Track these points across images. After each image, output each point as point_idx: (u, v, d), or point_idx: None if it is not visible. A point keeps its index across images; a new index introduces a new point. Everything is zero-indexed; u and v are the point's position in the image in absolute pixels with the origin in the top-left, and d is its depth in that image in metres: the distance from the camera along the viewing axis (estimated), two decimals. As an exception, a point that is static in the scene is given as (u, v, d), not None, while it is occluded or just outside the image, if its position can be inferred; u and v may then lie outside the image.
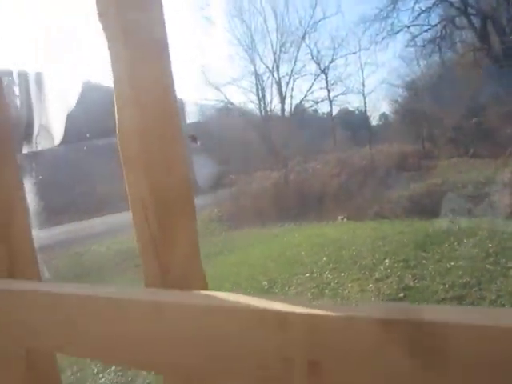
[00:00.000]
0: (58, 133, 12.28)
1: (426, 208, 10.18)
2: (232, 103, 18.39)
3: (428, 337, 0.49)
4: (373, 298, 4.86)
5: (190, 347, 0.67)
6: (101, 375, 4.18)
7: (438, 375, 0.48)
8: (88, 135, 13.55)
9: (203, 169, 13.11)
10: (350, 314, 0.55)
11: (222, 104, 18.43)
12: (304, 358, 0.57)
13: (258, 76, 18.40)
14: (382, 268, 5.79)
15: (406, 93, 18.51)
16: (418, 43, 17.04)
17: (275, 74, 18.35)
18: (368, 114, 19.34)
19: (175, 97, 0.80)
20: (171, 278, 0.78)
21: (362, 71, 17.89)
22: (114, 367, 4.31)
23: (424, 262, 5.75)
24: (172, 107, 0.79)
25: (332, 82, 18.28)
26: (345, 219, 10.96)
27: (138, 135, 0.76)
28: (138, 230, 0.80)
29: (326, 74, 18.16)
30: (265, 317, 0.60)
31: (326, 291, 5.35)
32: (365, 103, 18.67)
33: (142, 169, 0.78)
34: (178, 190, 0.81)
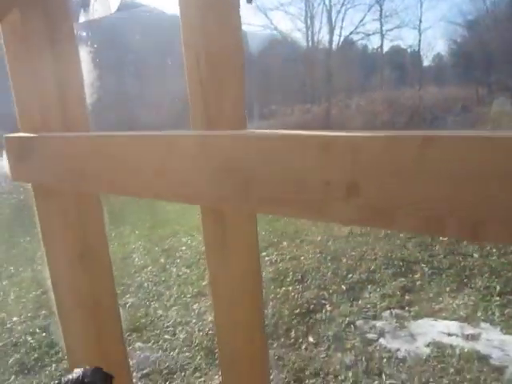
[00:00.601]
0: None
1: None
2: (278, 30, 17.69)
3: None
4: (403, 230, 4.87)
5: (232, 177, 0.71)
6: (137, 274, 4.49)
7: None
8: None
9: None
10: (392, 134, 0.57)
11: (267, 30, 17.77)
12: (344, 181, 0.60)
13: (307, 2, 17.49)
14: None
15: (466, 32, 17.22)
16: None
17: (326, 1, 17.38)
18: (421, 52, 18.25)
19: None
20: (215, 119, 0.80)
21: (421, 4, 16.69)
22: (149, 267, 4.61)
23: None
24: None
25: (387, 13, 17.21)
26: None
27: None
28: (189, 74, 0.81)
29: (380, 5, 17.07)
30: (307, 141, 0.63)
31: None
32: (419, 41, 17.62)
33: (198, 26, 0.79)
34: (230, 50, 0.81)
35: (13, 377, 2.85)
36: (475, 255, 4.04)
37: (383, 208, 0.56)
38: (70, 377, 1.06)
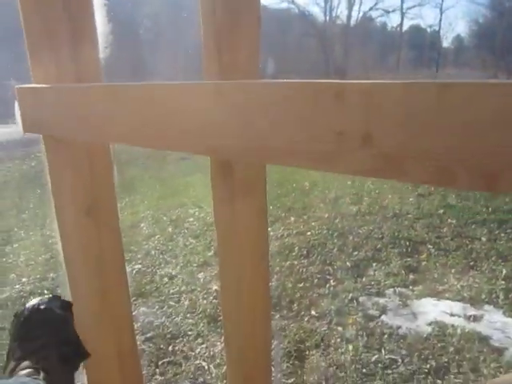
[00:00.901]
0: None
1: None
2: (295, 3, 17.34)
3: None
4: (412, 211, 4.85)
5: (244, 128, 0.70)
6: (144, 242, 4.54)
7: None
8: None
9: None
10: (409, 82, 0.55)
11: (284, 4, 17.42)
12: (357, 131, 0.58)
13: (327, -24, 17.08)
14: (426, 186, 5.71)
15: (489, 13, 16.73)
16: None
17: (347, -24, 16.95)
18: (441, 33, 17.84)
19: None
20: (228, 69, 0.79)
21: (444, -18, 16.20)
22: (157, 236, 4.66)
23: (471, 186, 5.60)
24: None
25: (408, -10, 16.76)
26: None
27: None
28: (204, 21, 0.79)
29: (402, -19, 16.62)
30: (321, 89, 0.61)
31: (366, 199, 5.38)
32: (440, 20, 17.16)
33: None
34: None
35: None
36: (483, 239, 4.02)
37: (396, 158, 0.55)
38: (28, 305, 1.07)
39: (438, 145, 0.53)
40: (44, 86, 1.12)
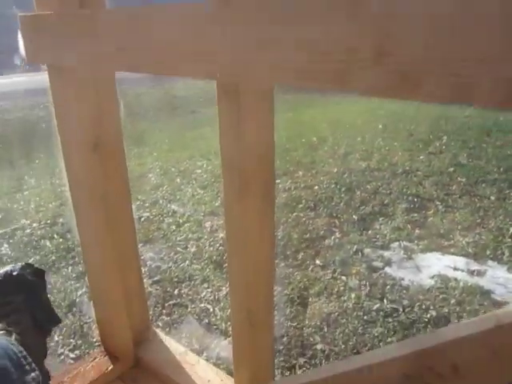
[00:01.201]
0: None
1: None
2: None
3: None
4: (422, 168, 4.80)
5: (252, 46, 0.67)
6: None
7: None
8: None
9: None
10: None
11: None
12: (371, 46, 0.55)
13: None
14: (437, 144, 5.62)
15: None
16: None
17: None
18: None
19: None
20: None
21: None
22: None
23: (484, 145, 5.51)
24: None
25: None
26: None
27: None
28: None
29: None
30: (333, 3, 0.58)
31: (375, 155, 5.33)
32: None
33: None
34: None
35: (31, 275, 3.00)
36: (492, 197, 3.99)
37: (411, 74, 0.52)
38: (1, 271, 1.07)
39: (456, 57, 0.50)
40: (46, 13, 1.08)
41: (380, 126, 6.60)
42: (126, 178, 1.41)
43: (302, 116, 8.09)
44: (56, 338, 2.33)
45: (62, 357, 2.19)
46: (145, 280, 2.84)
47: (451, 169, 4.74)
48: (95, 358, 1.59)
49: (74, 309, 2.61)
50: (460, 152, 5.27)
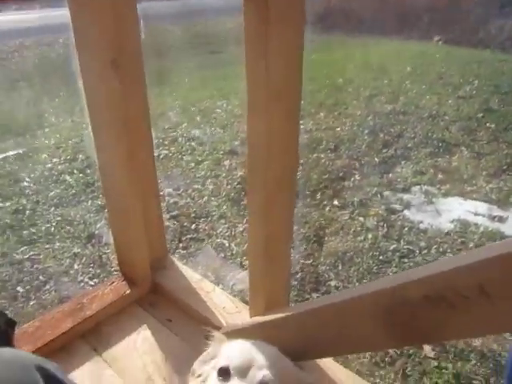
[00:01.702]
0: None
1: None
2: None
3: None
4: (450, 113, 4.62)
5: None
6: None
7: None
8: None
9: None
10: None
11: None
12: None
13: None
14: (468, 88, 5.38)
15: None
16: None
17: None
18: None
19: None
20: None
21: None
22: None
23: (517, 90, 5.26)
24: None
25: None
26: (441, 42, 9.87)
27: None
28: None
29: None
30: None
31: (401, 98, 5.14)
32: None
33: None
34: None
35: (52, 208, 3.06)
36: (520, 144, 3.84)
37: None
38: None
39: None
40: None
41: (408, 69, 6.32)
42: (145, 101, 1.37)
43: (329, 57, 7.79)
44: (76, 267, 2.41)
45: (82, 284, 2.27)
46: (164, 215, 2.88)
47: (480, 114, 4.55)
48: (113, 282, 1.63)
49: (94, 240, 2.67)
50: (491, 97, 5.03)
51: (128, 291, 1.58)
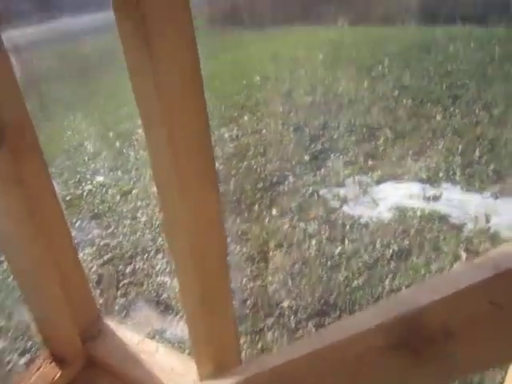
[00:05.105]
0: None
1: (438, 15, 9.28)
2: None
3: None
4: (367, 95, 4.70)
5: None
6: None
7: None
8: None
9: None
10: None
11: None
12: None
13: None
14: (380, 67, 5.50)
15: None
16: None
17: None
18: None
19: None
20: None
21: None
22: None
23: (425, 63, 5.44)
24: None
25: None
26: (345, 24, 10.12)
27: None
28: None
29: None
30: None
31: (319, 88, 5.16)
32: None
33: None
34: None
35: None
36: (438, 117, 3.96)
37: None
38: None
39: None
40: None
41: (320, 57, 6.38)
42: (41, 159, 1.18)
43: (242, 55, 7.72)
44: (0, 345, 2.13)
45: (11, 365, 2.01)
46: (95, 261, 2.66)
47: (396, 92, 4.66)
48: (40, 367, 1.43)
49: (19, 306, 2.41)
50: (402, 73, 5.18)
51: (58, 374, 1.38)
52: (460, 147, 3.35)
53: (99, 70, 8.48)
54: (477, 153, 3.22)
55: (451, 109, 4.09)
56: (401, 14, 9.84)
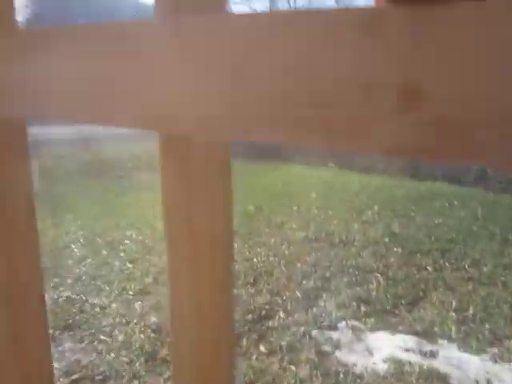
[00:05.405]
0: None
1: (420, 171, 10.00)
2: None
3: None
4: (358, 238, 4.79)
5: (217, 88, 0.46)
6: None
7: None
8: None
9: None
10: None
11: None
12: (395, 82, 0.36)
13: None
14: (370, 213, 5.71)
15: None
16: None
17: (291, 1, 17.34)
18: None
19: None
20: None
21: None
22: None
23: (412, 214, 5.68)
24: None
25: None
26: (334, 167, 10.79)
27: None
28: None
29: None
30: (339, 20, 0.39)
31: (312, 224, 5.26)
32: None
33: None
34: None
35: None
36: (429, 268, 4.00)
37: (460, 126, 0.33)
38: None
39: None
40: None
41: (314, 195, 6.64)
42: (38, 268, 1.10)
43: (236, 183, 8.00)
44: None
45: None
46: (62, 379, 2.39)
47: (386, 239, 4.77)
48: None
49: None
50: (391, 221, 5.36)
51: None
52: (454, 302, 3.32)
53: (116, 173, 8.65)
54: (471, 310, 3.19)
55: (440, 261, 4.15)
56: (385, 166, 10.53)
